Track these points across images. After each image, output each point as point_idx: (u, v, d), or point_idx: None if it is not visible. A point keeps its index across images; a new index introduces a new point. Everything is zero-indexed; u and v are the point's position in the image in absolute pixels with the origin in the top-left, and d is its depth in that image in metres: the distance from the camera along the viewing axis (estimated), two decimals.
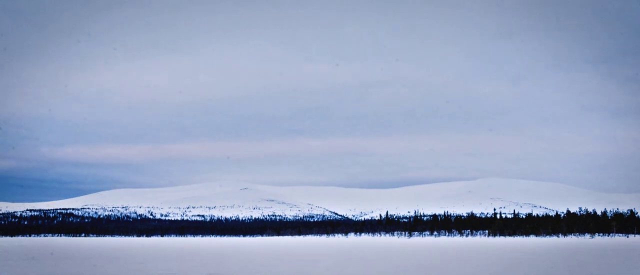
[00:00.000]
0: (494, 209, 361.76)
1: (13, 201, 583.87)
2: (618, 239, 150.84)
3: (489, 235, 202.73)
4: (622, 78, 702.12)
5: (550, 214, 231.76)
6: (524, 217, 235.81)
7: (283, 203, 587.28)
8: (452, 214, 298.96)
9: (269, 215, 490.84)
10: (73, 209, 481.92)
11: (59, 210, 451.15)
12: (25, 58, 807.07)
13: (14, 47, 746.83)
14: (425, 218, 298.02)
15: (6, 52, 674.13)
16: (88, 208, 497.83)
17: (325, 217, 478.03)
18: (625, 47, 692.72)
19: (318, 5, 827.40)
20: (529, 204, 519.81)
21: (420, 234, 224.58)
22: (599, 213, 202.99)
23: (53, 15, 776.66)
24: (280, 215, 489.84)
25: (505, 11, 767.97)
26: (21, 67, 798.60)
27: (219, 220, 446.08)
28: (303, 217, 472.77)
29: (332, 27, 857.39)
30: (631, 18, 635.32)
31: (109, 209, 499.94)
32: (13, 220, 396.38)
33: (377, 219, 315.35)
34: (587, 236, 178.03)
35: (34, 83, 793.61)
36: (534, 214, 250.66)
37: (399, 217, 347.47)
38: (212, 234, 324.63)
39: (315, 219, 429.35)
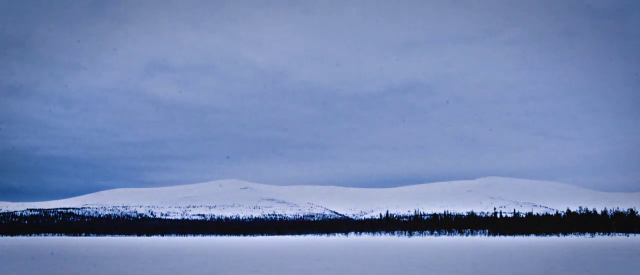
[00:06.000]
0: (494, 209, 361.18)
1: (13, 201, 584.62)
2: (618, 238, 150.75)
3: (489, 234, 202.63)
4: (622, 78, 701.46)
5: (551, 214, 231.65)
6: (524, 216, 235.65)
7: (283, 202, 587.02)
8: (452, 214, 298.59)
9: (269, 215, 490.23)
10: (73, 208, 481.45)
11: (59, 210, 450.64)
12: (25, 58, 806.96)
13: (14, 47, 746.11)
14: (425, 217, 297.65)
15: (6, 52, 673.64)
16: (88, 208, 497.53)
17: (326, 216, 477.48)
18: (625, 48, 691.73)
19: (318, 6, 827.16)
20: (529, 203, 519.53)
21: (420, 233, 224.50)
22: (599, 212, 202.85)
23: (53, 15, 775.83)
24: (280, 215, 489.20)
25: (506, 13, 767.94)
26: (21, 67, 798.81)
27: (219, 219, 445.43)
28: (303, 216, 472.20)
29: (332, 27, 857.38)
30: (631, 19, 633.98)
31: (109, 208, 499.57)
32: (13, 220, 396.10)
33: (377, 218, 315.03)
34: (588, 235, 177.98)
35: (34, 83, 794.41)
36: (534, 213, 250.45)
37: (399, 217, 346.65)
38: (213, 234, 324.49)
39: (316, 219, 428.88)
